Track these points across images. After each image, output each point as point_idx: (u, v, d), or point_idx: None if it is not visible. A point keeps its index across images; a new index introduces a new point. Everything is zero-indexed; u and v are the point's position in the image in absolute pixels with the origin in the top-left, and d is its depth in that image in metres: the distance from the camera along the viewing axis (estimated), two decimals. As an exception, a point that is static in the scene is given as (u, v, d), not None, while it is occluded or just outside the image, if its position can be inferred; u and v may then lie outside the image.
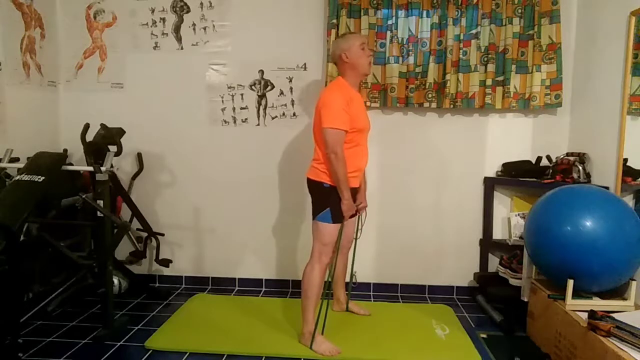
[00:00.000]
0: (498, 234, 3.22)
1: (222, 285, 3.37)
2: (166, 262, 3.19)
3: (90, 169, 2.52)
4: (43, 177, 2.27)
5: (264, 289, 3.35)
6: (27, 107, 2.99)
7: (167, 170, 3.32)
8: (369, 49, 2.50)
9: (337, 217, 2.37)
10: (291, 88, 3.20)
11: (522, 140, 3.16)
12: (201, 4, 3.18)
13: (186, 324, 2.71)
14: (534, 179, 2.96)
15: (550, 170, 2.94)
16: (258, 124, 3.24)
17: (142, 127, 3.23)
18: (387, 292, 3.31)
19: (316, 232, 2.42)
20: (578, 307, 2.21)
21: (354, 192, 2.46)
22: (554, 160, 2.99)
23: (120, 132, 2.88)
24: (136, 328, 2.66)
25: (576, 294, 2.23)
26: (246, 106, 3.24)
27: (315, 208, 2.42)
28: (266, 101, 3.22)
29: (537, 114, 3.14)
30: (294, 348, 2.43)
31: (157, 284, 3.40)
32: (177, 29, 3.21)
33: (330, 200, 2.36)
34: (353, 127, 2.35)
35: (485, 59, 3.02)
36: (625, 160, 2.50)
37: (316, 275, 2.39)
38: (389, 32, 3.05)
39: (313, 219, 2.43)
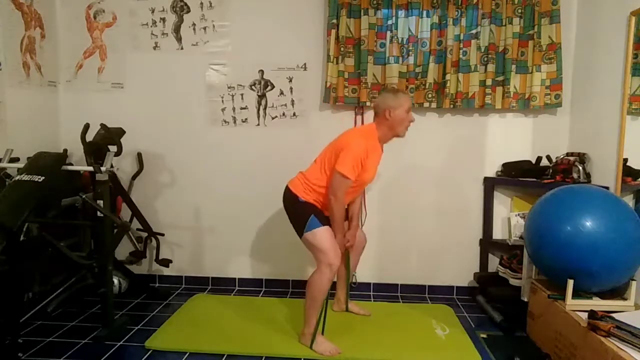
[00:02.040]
0: (498, 234, 3.22)
1: (222, 285, 3.37)
2: (166, 262, 3.19)
3: (90, 169, 2.52)
4: (43, 177, 2.27)
5: (264, 289, 3.35)
6: (27, 107, 2.99)
7: (167, 170, 3.32)
8: (412, 115, 2.49)
9: (323, 220, 2.39)
10: (291, 88, 3.20)
11: (522, 140, 3.16)
12: (201, 4, 3.18)
13: (186, 324, 2.71)
14: (534, 179, 2.96)
15: (550, 170, 2.94)
16: (258, 124, 3.25)
17: (142, 127, 3.23)
18: (387, 292, 3.31)
19: (311, 244, 2.38)
20: (578, 307, 2.21)
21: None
22: (554, 160, 2.99)
23: (120, 132, 2.88)
24: (136, 328, 2.66)
25: (576, 294, 2.23)
26: (246, 106, 3.24)
27: (297, 223, 2.42)
28: (266, 101, 3.22)
29: (537, 114, 3.14)
30: (294, 348, 2.43)
31: (157, 284, 3.40)
32: (177, 29, 3.21)
33: (309, 209, 2.39)
34: (357, 180, 2.38)
35: (485, 59, 3.02)
36: (625, 160, 2.50)
37: (325, 282, 2.35)
38: (389, 32, 3.05)
39: (301, 235, 2.41)
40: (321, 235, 2.36)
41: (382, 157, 2.55)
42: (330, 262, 2.33)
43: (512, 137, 3.15)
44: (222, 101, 3.24)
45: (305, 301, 2.42)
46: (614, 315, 2.01)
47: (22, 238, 2.35)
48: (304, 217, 2.38)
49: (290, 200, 2.46)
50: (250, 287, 3.37)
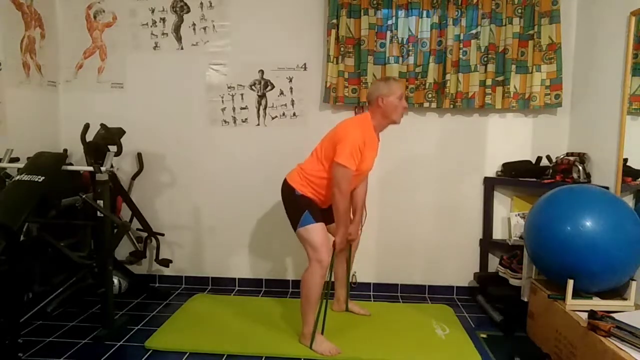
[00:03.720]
0: (498, 234, 3.22)
1: (222, 285, 3.37)
2: (166, 262, 3.19)
3: (90, 169, 2.52)
4: (43, 177, 2.27)
5: (264, 289, 3.35)
6: (27, 107, 2.99)
7: (167, 170, 3.32)
8: (406, 101, 2.49)
9: (317, 216, 2.39)
10: (291, 88, 3.20)
11: (522, 140, 3.16)
12: (201, 4, 3.18)
13: (186, 324, 2.71)
14: (534, 179, 2.96)
15: (550, 170, 2.94)
16: (258, 124, 3.25)
17: (142, 127, 3.23)
18: (387, 292, 3.31)
19: (304, 239, 2.40)
20: (578, 307, 2.21)
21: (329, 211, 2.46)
22: (554, 160, 2.99)
23: (120, 132, 2.88)
24: (136, 328, 2.66)
25: (576, 294, 2.23)
26: (246, 106, 3.24)
27: (292, 217, 2.42)
28: (266, 101, 3.22)
29: (537, 114, 3.14)
30: (294, 348, 2.43)
31: (157, 284, 3.40)
32: (177, 29, 3.21)
33: (304, 204, 2.40)
34: (356, 169, 2.38)
35: (485, 59, 3.02)
36: (625, 160, 2.50)
37: (317, 280, 2.36)
38: (389, 32, 3.05)
39: (295, 229, 2.42)
40: (314, 231, 2.36)
41: (379, 146, 2.55)
42: (320, 259, 2.35)
43: (512, 137, 3.15)
44: (222, 101, 3.24)
45: (301, 300, 2.43)
46: (614, 315, 2.01)
47: (22, 238, 2.35)
48: (298, 212, 2.39)
49: (287, 192, 2.47)
50: (250, 287, 3.37)
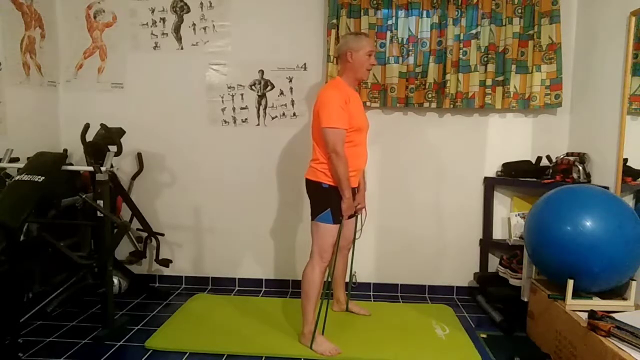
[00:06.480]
0: (498, 234, 3.22)
1: (222, 285, 3.37)
2: (166, 262, 3.19)
3: (90, 169, 2.52)
4: (43, 177, 2.27)
5: (264, 289, 3.35)
6: (27, 107, 2.99)
7: (167, 170, 3.32)
8: (374, 59, 2.49)
9: (337, 218, 2.37)
10: (291, 88, 3.20)
11: (522, 140, 3.16)
12: (201, 4, 3.18)
13: (186, 324, 2.71)
14: (534, 179, 2.96)
15: (550, 170, 2.94)
16: (258, 124, 3.25)
17: (142, 127, 3.23)
18: (387, 292, 3.31)
19: (316, 233, 2.41)
20: (578, 307, 2.21)
21: (353, 192, 2.45)
22: (554, 160, 2.99)
23: (120, 132, 2.88)
24: (136, 328, 2.66)
25: (576, 294, 2.23)
26: (246, 106, 3.24)
27: (314, 209, 2.41)
28: (266, 101, 3.22)
29: (537, 114, 3.14)
30: (294, 348, 2.43)
31: (157, 284, 3.40)
32: (177, 29, 3.21)
33: (330, 201, 2.35)
34: (352, 126, 2.34)
35: (485, 59, 3.02)
36: (625, 160, 2.50)
37: (316, 275, 2.39)
38: (389, 32, 3.05)
39: (312, 219, 2.42)
40: (327, 230, 2.37)
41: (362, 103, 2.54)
42: (322, 255, 2.38)
43: (512, 137, 3.15)
44: (222, 101, 3.24)
45: (302, 299, 2.43)
46: (614, 315, 2.01)
47: (22, 238, 2.36)
48: (322, 205, 2.36)
49: (313, 187, 2.41)
50: (250, 287, 3.37)
